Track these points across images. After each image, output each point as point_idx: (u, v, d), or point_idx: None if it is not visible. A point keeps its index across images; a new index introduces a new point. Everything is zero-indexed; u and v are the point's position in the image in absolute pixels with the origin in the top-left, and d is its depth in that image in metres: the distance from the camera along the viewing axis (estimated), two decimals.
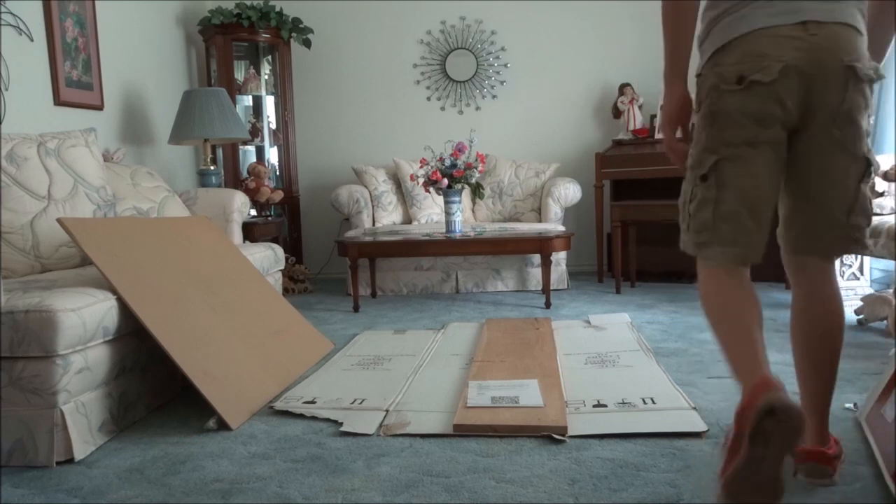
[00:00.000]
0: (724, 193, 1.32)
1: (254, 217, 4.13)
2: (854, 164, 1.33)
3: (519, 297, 3.84)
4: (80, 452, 1.68)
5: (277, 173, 4.72)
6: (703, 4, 1.42)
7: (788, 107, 1.29)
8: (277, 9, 4.41)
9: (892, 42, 1.46)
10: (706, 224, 1.34)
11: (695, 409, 1.85)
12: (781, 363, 2.31)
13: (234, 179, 4.38)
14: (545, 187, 4.36)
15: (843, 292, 3.16)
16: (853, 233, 1.36)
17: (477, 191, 3.70)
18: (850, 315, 2.96)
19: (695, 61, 1.50)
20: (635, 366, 2.31)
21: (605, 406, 1.91)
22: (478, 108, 4.85)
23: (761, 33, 1.30)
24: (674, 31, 1.44)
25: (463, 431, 1.76)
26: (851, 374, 2.17)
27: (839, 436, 1.65)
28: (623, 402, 1.93)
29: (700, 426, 1.73)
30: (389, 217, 4.42)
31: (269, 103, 4.67)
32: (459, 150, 3.65)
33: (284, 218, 4.59)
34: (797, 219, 1.40)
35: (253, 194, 4.03)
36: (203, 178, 3.97)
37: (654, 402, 1.92)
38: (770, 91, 1.28)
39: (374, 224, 4.34)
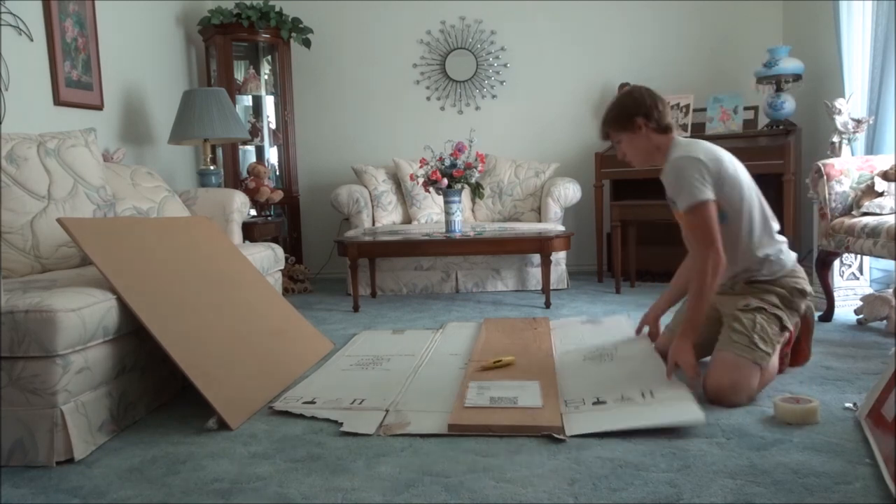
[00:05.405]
0: None
1: (254, 217, 4.12)
2: None
3: (519, 297, 3.84)
4: (80, 452, 1.68)
5: (277, 173, 4.72)
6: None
7: None
8: (277, 9, 4.41)
9: None
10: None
11: (693, 398, 1.83)
12: None
13: (234, 179, 4.37)
14: (545, 187, 4.36)
15: (842, 292, 3.17)
16: None
17: (477, 191, 3.70)
18: (850, 315, 2.97)
19: None
20: (634, 356, 2.30)
21: (604, 403, 1.91)
22: (478, 108, 4.85)
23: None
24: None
25: (458, 431, 1.76)
26: (851, 374, 2.17)
27: (839, 436, 1.66)
28: (622, 398, 1.92)
29: (699, 415, 1.72)
30: (389, 217, 4.42)
31: (269, 103, 4.67)
32: (459, 149, 3.65)
33: (284, 218, 4.59)
34: None
35: (253, 194, 4.03)
36: (203, 178, 3.97)
37: (652, 395, 1.91)
38: None
39: (373, 224, 4.34)
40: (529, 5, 4.74)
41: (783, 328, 2.02)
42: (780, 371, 2.20)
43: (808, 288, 2.11)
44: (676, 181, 2.03)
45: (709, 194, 1.98)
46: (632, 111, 2.14)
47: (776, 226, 2.13)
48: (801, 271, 2.12)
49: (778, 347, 2.03)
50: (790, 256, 2.12)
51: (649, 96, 2.15)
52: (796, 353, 2.28)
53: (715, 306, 2.14)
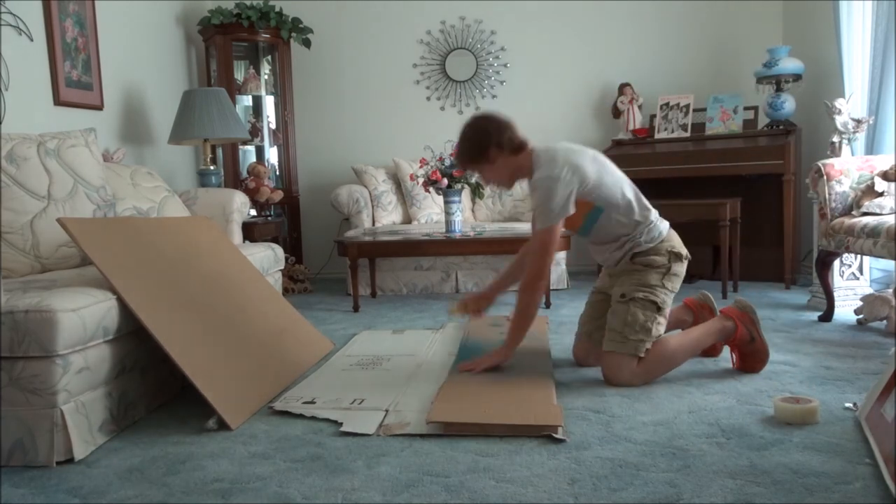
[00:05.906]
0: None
1: (254, 217, 4.12)
2: None
3: None
4: (80, 452, 1.67)
5: (277, 173, 4.72)
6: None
7: None
8: (277, 9, 4.41)
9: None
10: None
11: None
12: (782, 363, 2.31)
13: (234, 179, 4.38)
14: None
15: (842, 292, 3.17)
16: None
17: (477, 191, 3.70)
18: (850, 315, 2.97)
19: None
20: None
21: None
22: (478, 108, 4.85)
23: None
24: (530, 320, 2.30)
25: (453, 431, 1.76)
26: (851, 373, 2.17)
27: (839, 436, 1.66)
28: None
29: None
30: (389, 217, 4.42)
31: (269, 103, 4.67)
32: None
33: (284, 218, 4.59)
34: None
35: (253, 194, 4.03)
36: (203, 178, 3.97)
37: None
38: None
39: (373, 224, 4.34)
40: (529, 5, 4.74)
41: (659, 308, 2.15)
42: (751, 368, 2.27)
43: (684, 251, 2.24)
44: (539, 201, 2.14)
45: (559, 218, 2.11)
46: (482, 144, 2.23)
47: (646, 201, 2.27)
48: (673, 236, 2.26)
49: (658, 325, 2.14)
50: (664, 223, 2.27)
51: (493, 123, 2.27)
52: (712, 349, 2.39)
53: (605, 290, 2.35)
